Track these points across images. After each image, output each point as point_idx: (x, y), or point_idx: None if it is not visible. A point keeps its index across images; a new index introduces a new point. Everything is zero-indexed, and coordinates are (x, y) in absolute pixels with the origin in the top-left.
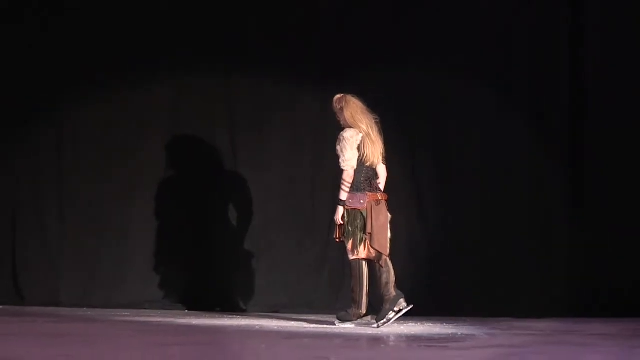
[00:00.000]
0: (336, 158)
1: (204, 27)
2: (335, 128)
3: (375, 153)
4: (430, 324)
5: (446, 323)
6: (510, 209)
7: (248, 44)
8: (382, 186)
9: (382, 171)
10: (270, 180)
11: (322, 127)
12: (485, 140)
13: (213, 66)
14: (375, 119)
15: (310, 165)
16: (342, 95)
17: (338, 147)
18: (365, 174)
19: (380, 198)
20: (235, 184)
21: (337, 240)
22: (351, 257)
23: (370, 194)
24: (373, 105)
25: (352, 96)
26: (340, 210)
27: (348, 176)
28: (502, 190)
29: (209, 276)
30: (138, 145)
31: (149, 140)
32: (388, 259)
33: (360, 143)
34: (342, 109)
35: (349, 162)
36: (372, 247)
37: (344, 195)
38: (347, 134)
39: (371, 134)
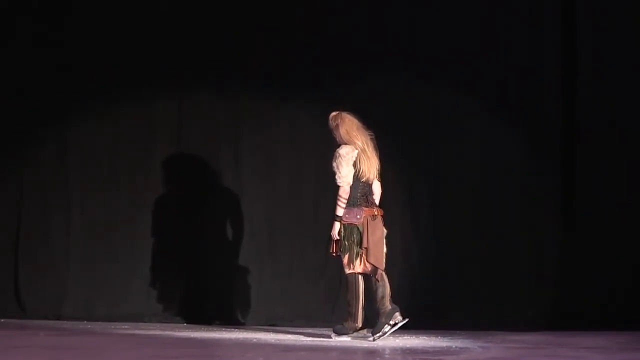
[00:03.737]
0: (332, 174)
1: (209, 45)
2: (337, 144)
3: (371, 169)
4: (425, 337)
5: (441, 336)
6: (503, 223)
7: (253, 61)
8: (377, 202)
9: (376, 187)
10: (272, 195)
11: (325, 142)
12: (478, 153)
13: (218, 82)
14: (371, 135)
15: (312, 180)
16: (337, 112)
17: (334, 164)
18: (361, 189)
19: (376, 213)
20: (238, 198)
21: (334, 254)
22: (347, 271)
23: (367, 209)
24: (368, 120)
25: (348, 113)
26: (337, 225)
27: (344, 192)
28: (495, 204)
29: (209, 289)
30: (143, 160)
31: (154, 155)
32: (384, 273)
33: (356, 159)
34: (337, 125)
35: (345, 178)
36: (368, 261)
37: (340, 211)
38: (343, 150)
39: (367, 150)
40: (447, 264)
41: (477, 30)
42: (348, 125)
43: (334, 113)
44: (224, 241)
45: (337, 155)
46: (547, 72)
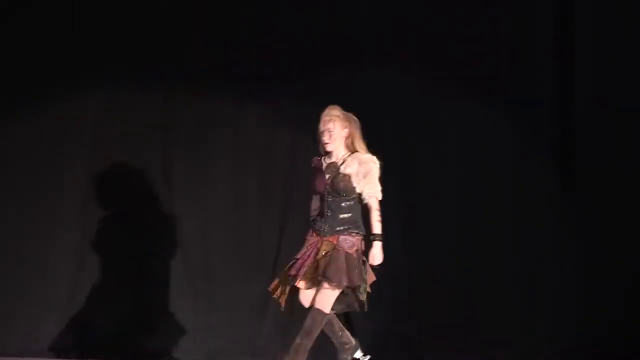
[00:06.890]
0: (350, 186)
1: (141, 41)
2: (284, 148)
3: None
4: None
5: None
6: (492, 237)
7: (186, 58)
8: None
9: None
10: (209, 209)
11: (269, 147)
12: (463, 159)
13: (148, 81)
14: None
15: (256, 191)
16: (345, 112)
17: (364, 171)
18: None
19: None
20: (167, 214)
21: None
22: (326, 310)
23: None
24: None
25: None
26: (379, 246)
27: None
28: (482, 224)
29: (135, 320)
30: (58, 170)
31: (74, 164)
32: None
33: None
34: (344, 127)
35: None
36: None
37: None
38: (374, 159)
39: None
40: (425, 287)
41: (464, 18)
42: (356, 131)
43: (336, 107)
44: (152, 264)
45: (369, 162)
46: (541, 62)
